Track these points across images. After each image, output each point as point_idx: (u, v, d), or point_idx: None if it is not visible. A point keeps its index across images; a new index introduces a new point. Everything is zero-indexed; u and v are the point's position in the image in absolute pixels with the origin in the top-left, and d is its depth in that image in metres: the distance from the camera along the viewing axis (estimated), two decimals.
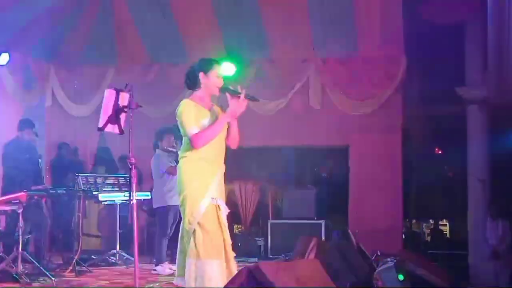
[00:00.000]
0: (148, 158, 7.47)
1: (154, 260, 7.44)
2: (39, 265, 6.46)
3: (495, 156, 9.07)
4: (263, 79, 9.25)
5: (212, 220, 4.20)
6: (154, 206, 7.53)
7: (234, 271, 4.17)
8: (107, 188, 8.24)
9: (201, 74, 4.35)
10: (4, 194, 6.96)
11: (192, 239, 4.15)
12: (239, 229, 10.45)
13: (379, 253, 6.41)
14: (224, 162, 4.42)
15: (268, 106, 9.22)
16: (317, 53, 9.32)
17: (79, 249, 7.26)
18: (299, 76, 9.35)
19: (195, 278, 4.11)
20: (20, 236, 6.26)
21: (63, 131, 10.00)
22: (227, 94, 4.35)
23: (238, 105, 4.27)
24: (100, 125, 4.40)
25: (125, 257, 8.06)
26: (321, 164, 10.99)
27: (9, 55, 8.45)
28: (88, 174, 8.51)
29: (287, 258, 7.29)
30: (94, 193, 7.90)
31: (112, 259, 8.10)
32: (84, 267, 7.23)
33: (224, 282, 4.01)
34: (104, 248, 8.95)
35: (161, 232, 7.33)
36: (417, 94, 9.45)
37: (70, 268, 6.96)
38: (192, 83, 4.42)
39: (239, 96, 4.29)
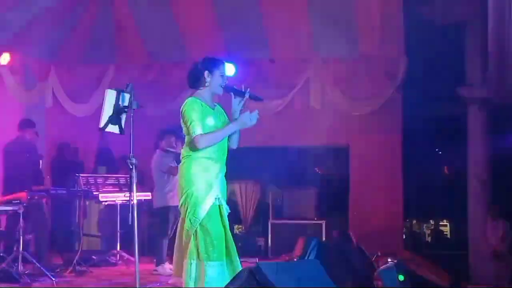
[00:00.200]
0: (149, 158, 7.48)
1: (155, 260, 7.44)
2: (39, 265, 6.44)
3: (495, 156, 9.08)
4: (263, 79, 9.24)
5: (215, 220, 4.17)
6: (155, 206, 7.53)
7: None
8: (108, 188, 8.23)
9: (206, 73, 4.30)
10: (4, 194, 6.96)
11: (192, 239, 4.11)
12: (239, 229, 10.45)
13: (379, 254, 6.42)
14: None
15: (268, 106, 9.21)
16: (317, 53, 9.32)
17: (80, 249, 7.25)
18: (299, 76, 9.35)
19: (194, 279, 4.08)
20: (21, 236, 6.26)
21: (63, 131, 9.98)
22: (231, 94, 4.33)
23: (249, 118, 4.22)
24: (101, 125, 4.39)
25: (125, 258, 8.05)
26: (321, 164, 10.97)
27: (10, 55, 8.46)
28: (88, 175, 8.50)
29: (287, 258, 7.29)
30: (94, 193, 7.89)
31: (112, 260, 8.07)
32: (85, 267, 7.20)
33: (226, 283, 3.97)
34: (105, 248, 8.93)
35: (161, 232, 7.33)
36: (417, 94, 9.44)
37: (71, 268, 6.95)
38: (195, 82, 4.36)
39: (243, 96, 4.28)
